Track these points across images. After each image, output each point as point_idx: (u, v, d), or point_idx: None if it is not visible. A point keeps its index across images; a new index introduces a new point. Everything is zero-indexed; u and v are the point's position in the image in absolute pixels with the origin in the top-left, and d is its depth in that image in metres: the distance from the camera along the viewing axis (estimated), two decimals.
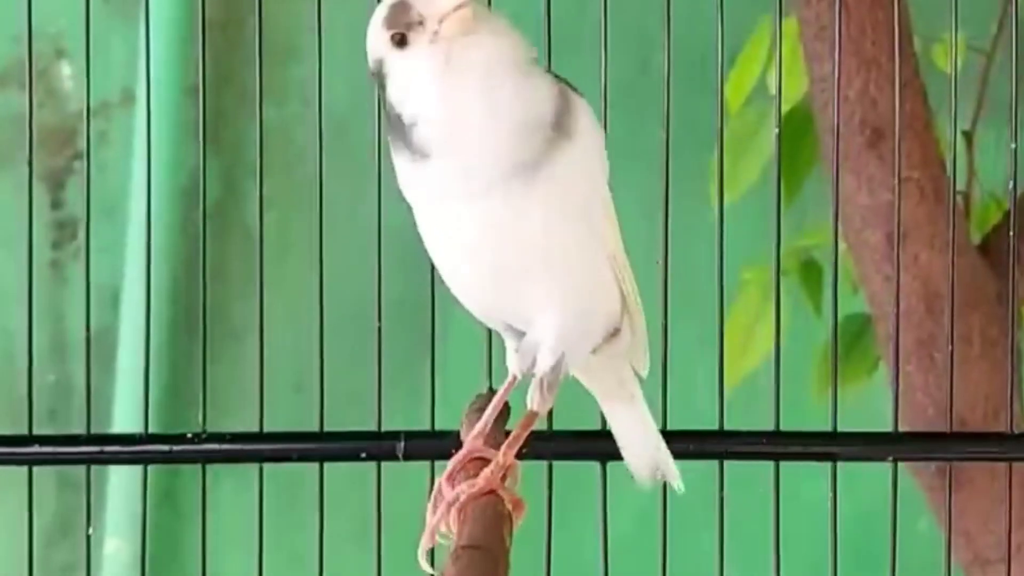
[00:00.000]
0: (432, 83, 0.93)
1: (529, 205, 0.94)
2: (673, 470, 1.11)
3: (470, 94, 0.93)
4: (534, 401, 1.00)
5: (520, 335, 1.01)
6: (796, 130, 1.53)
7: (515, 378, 1.03)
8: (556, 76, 0.97)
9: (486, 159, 0.93)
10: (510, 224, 0.94)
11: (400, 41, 0.94)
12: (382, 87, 0.97)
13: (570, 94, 0.96)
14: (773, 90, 1.30)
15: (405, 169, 0.96)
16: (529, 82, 0.94)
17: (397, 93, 0.95)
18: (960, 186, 1.52)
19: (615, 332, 1.03)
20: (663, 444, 1.11)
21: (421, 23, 0.93)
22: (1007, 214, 1.43)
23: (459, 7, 0.92)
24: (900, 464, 1.25)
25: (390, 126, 0.97)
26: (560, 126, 0.94)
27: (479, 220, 0.94)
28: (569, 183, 0.95)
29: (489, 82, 0.93)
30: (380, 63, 0.96)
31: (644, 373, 1.08)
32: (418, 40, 0.94)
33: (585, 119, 0.96)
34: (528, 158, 0.93)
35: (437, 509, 1.00)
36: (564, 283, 0.97)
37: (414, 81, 0.94)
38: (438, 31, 0.93)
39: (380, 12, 0.96)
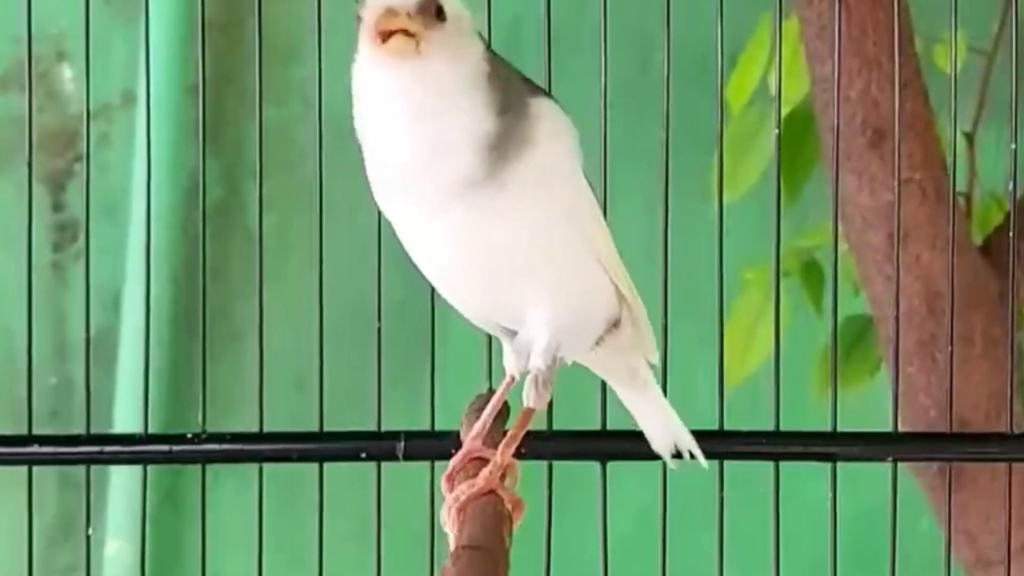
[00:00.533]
0: (362, 100, 0.94)
1: (490, 216, 0.94)
2: (695, 447, 1.13)
3: (395, 122, 0.92)
4: (530, 398, 1.00)
5: (515, 335, 1.01)
6: (797, 131, 1.53)
7: (513, 379, 1.03)
8: (521, 79, 0.96)
9: (422, 182, 0.93)
10: (474, 235, 0.94)
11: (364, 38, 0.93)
12: None
13: (528, 102, 0.95)
14: (774, 91, 1.30)
15: (371, 177, 0.96)
16: (458, 108, 0.92)
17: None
18: (961, 187, 1.52)
19: (616, 324, 1.03)
20: (681, 424, 1.12)
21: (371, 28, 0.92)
22: (1008, 215, 1.43)
23: (396, 31, 0.91)
24: (901, 464, 1.25)
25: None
26: (509, 139, 0.93)
27: (443, 234, 0.95)
28: (531, 190, 0.94)
29: (402, 105, 0.92)
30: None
31: (654, 360, 1.08)
32: (363, 43, 0.93)
33: (546, 123, 0.95)
34: (471, 175, 0.92)
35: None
36: (547, 281, 0.97)
37: (356, 89, 0.94)
38: (377, 43, 0.91)
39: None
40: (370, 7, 0.92)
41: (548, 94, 0.98)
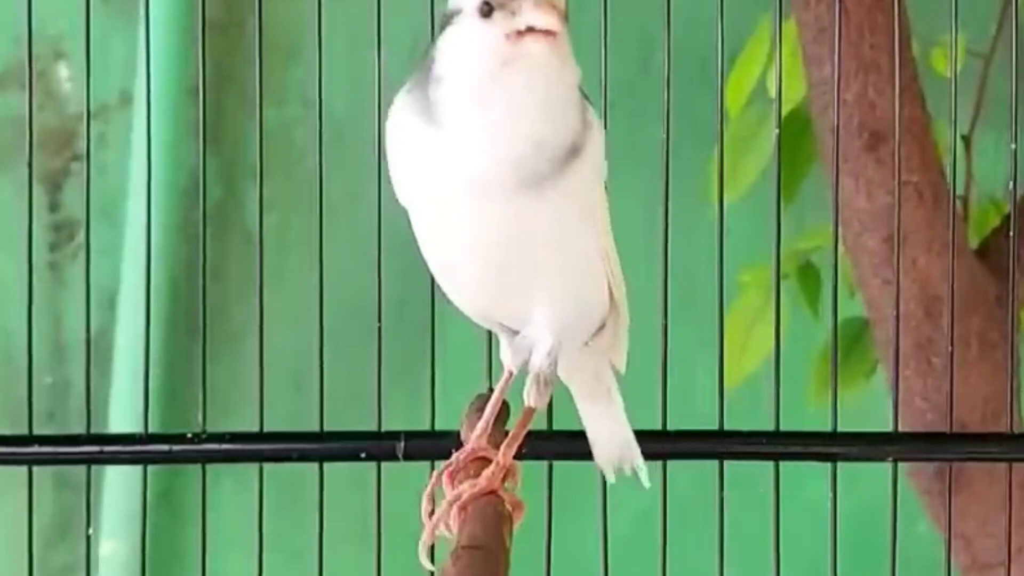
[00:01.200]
0: (481, 73, 0.92)
1: (537, 212, 0.94)
2: (641, 465, 1.11)
3: (504, 109, 0.92)
4: (531, 397, 1.00)
5: (513, 333, 1.01)
6: (794, 132, 1.53)
7: (511, 374, 1.03)
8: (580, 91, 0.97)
9: (502, 172, 0.93)
10: (516, 227, 0.94)
11: (486, 12, 0.92)
12: (440, 29, 0.95)
13: (589, 112, 0.96)
14: (772, 92, 1.30)
15: (413, 138, 0.95)
16: (563, 114, 0.93)
17: (450, 49, 0.94)
18: (958, 190, 1.52)
19: (601, 327, 1.03)
20: (634, 440, 1.11)
21: (513, 13, 0.91)
22: (1006, 217, 1.43)
23: (548, 32, 0.91)
24: (899, 468, 1.25)
25: (413, 83, 0.96)
26: (576, 148, 0.94)
27: (484, 219, 0.94)
28: (578, 194, 0.95)
29: (528, 106, 0.92)
30: (456, 13, 0.94)
31: (622, 368, 1.08)
32: (499, 23, 0.92)
33: (596, 134, 0.96)
34: (539, 175, 0.93)
35: (432, 506, 1.00)
36: (562, 282, 0.98)
37: (469, 53, 0.92)
38: (521, 33, 0.91)
39: None
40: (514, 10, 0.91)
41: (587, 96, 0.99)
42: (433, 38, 0.97)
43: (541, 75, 0.92)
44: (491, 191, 0.93)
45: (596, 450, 1.12)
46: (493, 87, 0.92)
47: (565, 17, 0.92)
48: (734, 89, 1.56)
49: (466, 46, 0.93)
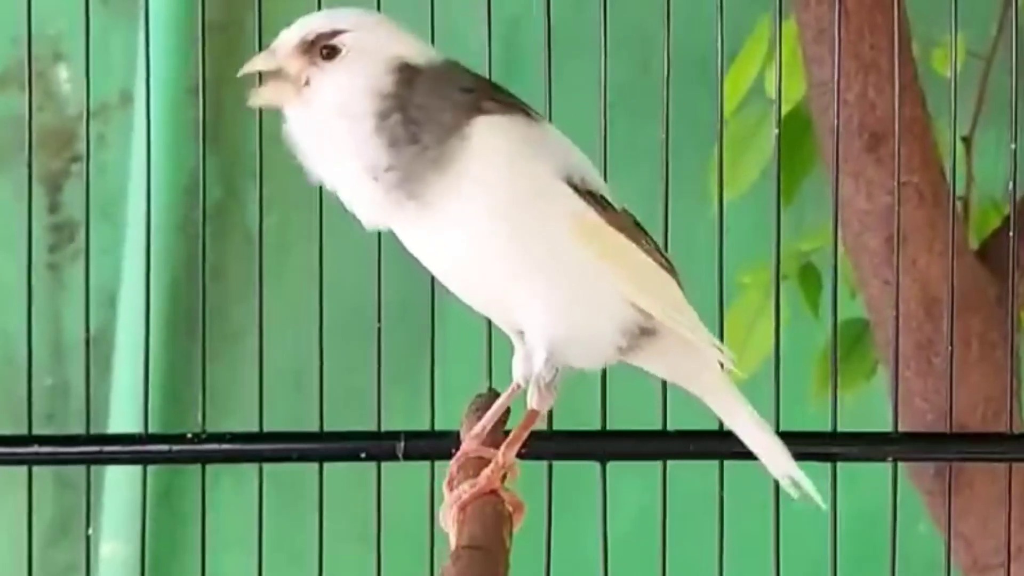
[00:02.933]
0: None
1: (434, 233, 0.96)
2: (798, 473, 1.08)
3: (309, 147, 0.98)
4: (533, 400, 1.00)
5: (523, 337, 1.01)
6: (793, 132, 1.53)
7: (518, 386, 1.03)
8: (466, 92, 0.97)
9: (354, 199, 0.97)
10: (433, 245, 0.97)
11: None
12: None
13: (462, 122, 0.95)
14: (771, 92, 1.30)
15: None
16: (344, 152, 0.96)
17: None
18: (959, 190, 1.53)
19: (648, 331, 1.01)
20: (782, 447, 1.08)
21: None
22: (1006, 218, 1.43)
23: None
24: (899, 468, 1.25)
25: None
26: (429, 162, 0.94)
27: (413, 242, 0.98)
28: (465, 206, 0.95)
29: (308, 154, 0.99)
30: None
31: (727, 362, 1.06)
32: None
33: (477, 142, 0.95)
34: (391, 199, 0.95)
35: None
36: (529, 289, 0.97)
37: None
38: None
39: None
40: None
41: (508, 107, 0.98)
42: (432, 39, 0.98)
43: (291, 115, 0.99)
44: (386, 217, 0.97)
45: (765, 462, 1.10)
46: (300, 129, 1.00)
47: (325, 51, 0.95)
48: (731, 87, 1.56)
49: None
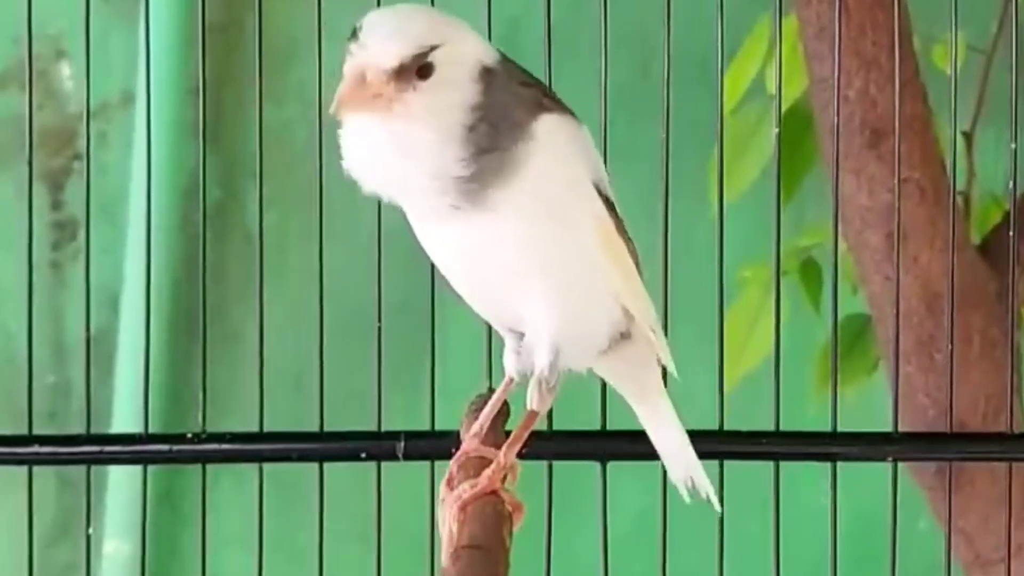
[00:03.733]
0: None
1: (480, 237, 0.95)
2: (703, 479, 1.09)
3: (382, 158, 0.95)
4: (533, 401, 1.00)
5: (521, 336, 1.01)
6: (794, 129, 1.53)
7: (511, 380, 1.03)
8: (527, 91, 0.96)
9: (411, 201, 0.96)
10: (474, 246, 0.96)
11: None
12: None
13: (525, 125, 0.95)
14: (772, 89, 1.30)
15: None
16: (429, 152, 0.93)
17: None
18: (960, 187, 1.52)
19: (625, 336, 1.02)
20: (692, 454, 1.09)
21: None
22: (1007, 214, 1.43)
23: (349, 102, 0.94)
24: (900, 465, 1.25)
25: None
26: (494, 170, 0.93)
27: (445, 241, 0.97)
28: (523, 207, 0.94)
29: (373, 151, 0.95)
30: None
31: (669, 366, 1.06)
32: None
33: (539, 144, 0.95)
34: (457, 200, 0.93)
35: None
36: (549, 289, 0.97)
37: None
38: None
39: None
40: (349, 62, 0.94)
41: (558, 105, 0.98)
42: None
43: (377, 137, 0.94)
44: (425, 216, 0.96)
45: (666, 464, 1.11)
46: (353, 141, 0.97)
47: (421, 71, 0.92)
48: (731, 84, 1.56)
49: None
